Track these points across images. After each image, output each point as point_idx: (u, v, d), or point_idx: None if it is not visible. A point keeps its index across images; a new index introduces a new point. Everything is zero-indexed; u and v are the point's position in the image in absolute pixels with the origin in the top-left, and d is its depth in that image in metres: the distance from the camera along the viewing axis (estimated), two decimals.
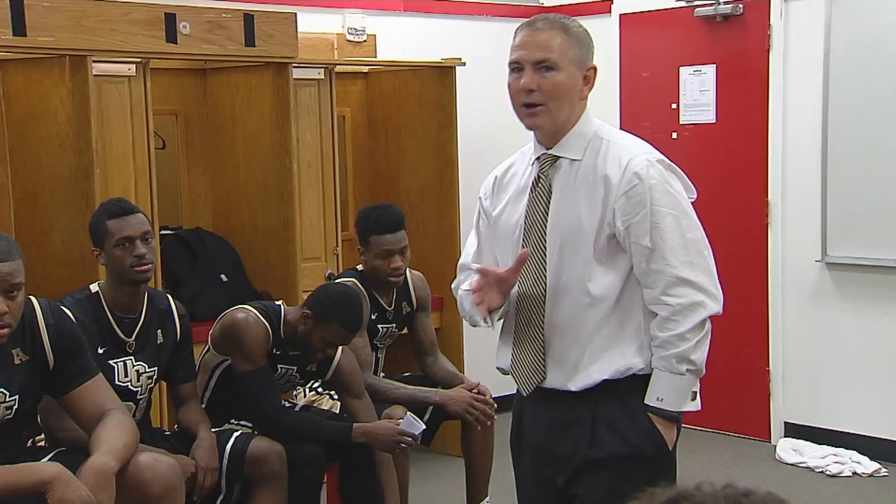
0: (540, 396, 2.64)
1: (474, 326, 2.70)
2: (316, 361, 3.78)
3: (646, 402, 2.55)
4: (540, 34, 2.53)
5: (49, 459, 2.99)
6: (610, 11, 6.02)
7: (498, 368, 2.74)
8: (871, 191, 5.14)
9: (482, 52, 5.65)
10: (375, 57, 5.49)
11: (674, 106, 5.82)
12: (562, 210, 2.56)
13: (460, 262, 2.82)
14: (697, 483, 1.23)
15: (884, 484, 5.00)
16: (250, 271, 4.84)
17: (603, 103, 5.46)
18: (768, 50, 5.49)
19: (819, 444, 5.36)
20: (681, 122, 5.81)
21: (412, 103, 5.46)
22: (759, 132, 5.55)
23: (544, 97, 2.52)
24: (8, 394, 2.80)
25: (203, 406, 3.68)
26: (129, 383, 3.37)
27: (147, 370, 3.42)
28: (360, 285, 4.08)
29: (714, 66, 5.68)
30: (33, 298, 2.87)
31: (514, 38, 2.58)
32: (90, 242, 3.41)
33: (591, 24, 2.93)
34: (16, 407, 2.82)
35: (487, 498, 4.39)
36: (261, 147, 4.78)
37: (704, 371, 2.56)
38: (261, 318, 3.66)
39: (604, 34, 5.75)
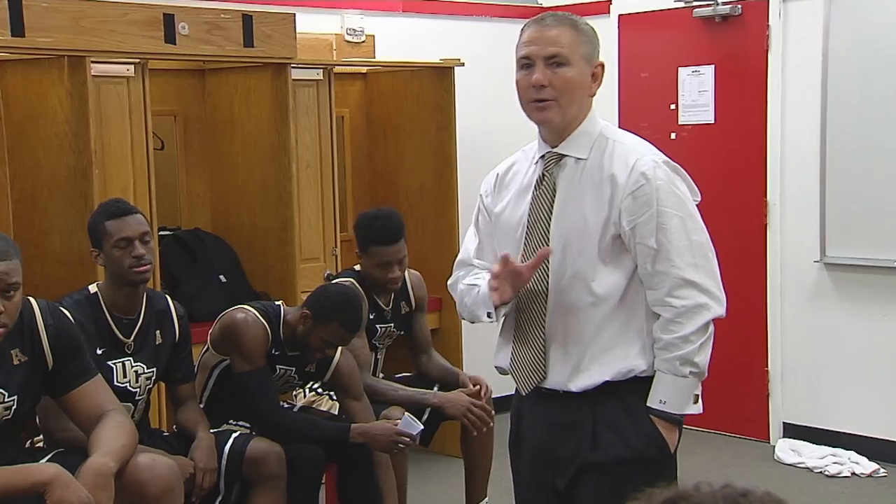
0: (539, 397, 2.63)
1: (473, 323, 2.69)
2: (315, 362, 3.78)
3: (648, 404, 2.54)
4: (550, 30, 2.53)
5: (48, 460, 2.99)
6: (609, 12, 6.01)
7: (496, 367, 2.73)
8: (870, 191, 5.13)
9: (481, 53, 5.65)
10: (374, 57, 5.49)
11: (672, 106, 5.82)
12: (566, 208, 2.56)
13: (458, 258, 2.79)
14: (696, 483, 1.23)
15: (882, 484, 5.00)
16: (249, 272, 4.84)
17: (602, 104, 5.40)
18: (767, 50, 5.49)
19: (818, 444, 5.36)
20: (679, 123, 5.81)
21: (411, 104, 5.46)
22: (757, 132, 5.55)
23: (555, 92, 2.51)
24: (7, 394, 2.79)
25: (202, 406, 3.68)
26: (127, 384, 3.36)
27: (146, 371, 3.42)
28: (358, 285, 4.08)
29: (713, 66, 5.68)
30: (32, 299, 2.87)
31: (522, 34, 2.57)
32: (89, 243, 3.41)
33: None
34: (14, 407, 2.82)
35: (486, 498, 4.39)
36: (259, 148, 4.78)
37: (707, 374, 2.56)
38: (260, 318, 3.66)
39: (602, 34, 5.63)
